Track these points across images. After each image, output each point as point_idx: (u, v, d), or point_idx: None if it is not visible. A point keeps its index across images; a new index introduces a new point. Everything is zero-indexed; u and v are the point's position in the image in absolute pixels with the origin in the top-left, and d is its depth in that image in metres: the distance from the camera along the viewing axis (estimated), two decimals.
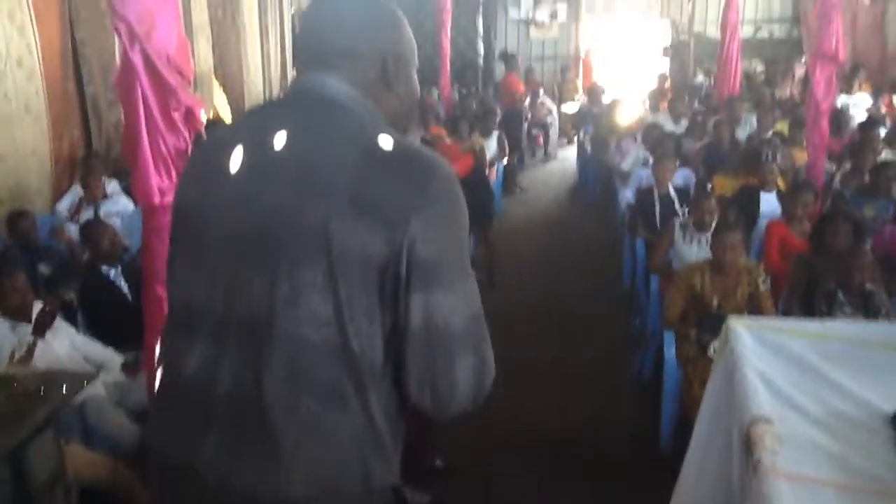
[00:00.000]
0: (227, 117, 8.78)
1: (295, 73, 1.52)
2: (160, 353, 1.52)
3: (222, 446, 1.30)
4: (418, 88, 1.52)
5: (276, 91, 10.81)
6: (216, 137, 1.49)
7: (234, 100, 9.25)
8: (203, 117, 2.84)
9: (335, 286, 1.23)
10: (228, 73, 9.20)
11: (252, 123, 1.44)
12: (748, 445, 1.54)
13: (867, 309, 3.75)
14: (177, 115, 2.63)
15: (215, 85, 8.86)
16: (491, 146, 8.34)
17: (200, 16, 8.24)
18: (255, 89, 9.92)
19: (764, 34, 14.54)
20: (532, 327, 5.44)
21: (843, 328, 2.03)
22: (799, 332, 1.85)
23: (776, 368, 1.73)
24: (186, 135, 2.70)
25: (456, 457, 3.78)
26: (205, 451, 1.31)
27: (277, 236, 1.26)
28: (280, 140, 1.32)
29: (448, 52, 9.76)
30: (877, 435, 1.53)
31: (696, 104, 9.94)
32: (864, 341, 1.80)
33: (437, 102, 10.32)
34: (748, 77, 11.78)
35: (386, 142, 1.30)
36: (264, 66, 10.38)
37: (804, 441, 1.53)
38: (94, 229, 4.33)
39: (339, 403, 1.27)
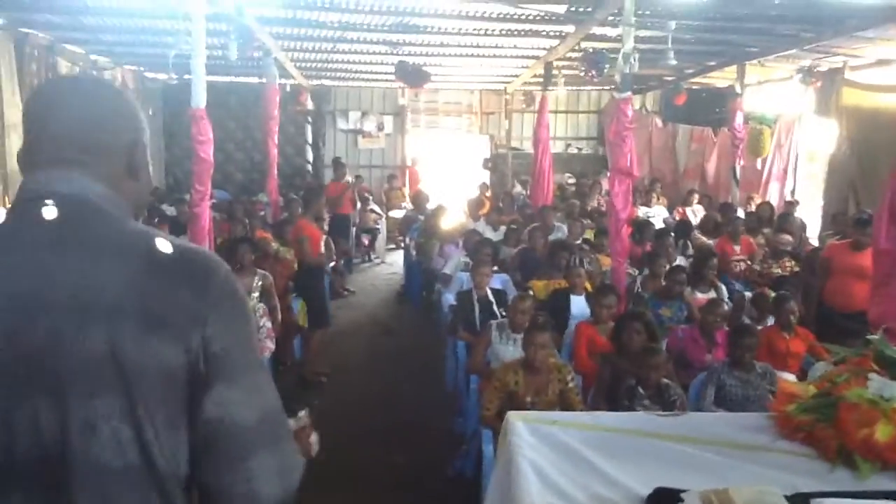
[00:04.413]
0: None
1: (23, 172, 1.31)
2: None
3: None
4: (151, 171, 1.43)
5: None
6: None
7: None
8: None
9: (134, 407, 1.18)
10: None
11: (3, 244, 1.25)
12: None
13: (663, 400, 4.09)
14: None
15: None
16: None
17: (14, 114, 7.99)
18: None
19: (573, 150, 15.77)
20: (357, 429, 5.42)
21: (608, 418, 2.22)
22: (570, 424, 2.01)
23: (547, 458, 1.85)
24: None
25: None
26: None
27: (59, 367, 1.16)
28: (42, 257, 1.20)
29: (276, 159, 9.85)
30: None
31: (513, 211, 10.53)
32: (625, 430, 1.98)
33: (266, 207, 10.34)
34: (560, 188, 12.70)
35: (164, 246, 1.27)
36: None
37: None
38: None
39: None
